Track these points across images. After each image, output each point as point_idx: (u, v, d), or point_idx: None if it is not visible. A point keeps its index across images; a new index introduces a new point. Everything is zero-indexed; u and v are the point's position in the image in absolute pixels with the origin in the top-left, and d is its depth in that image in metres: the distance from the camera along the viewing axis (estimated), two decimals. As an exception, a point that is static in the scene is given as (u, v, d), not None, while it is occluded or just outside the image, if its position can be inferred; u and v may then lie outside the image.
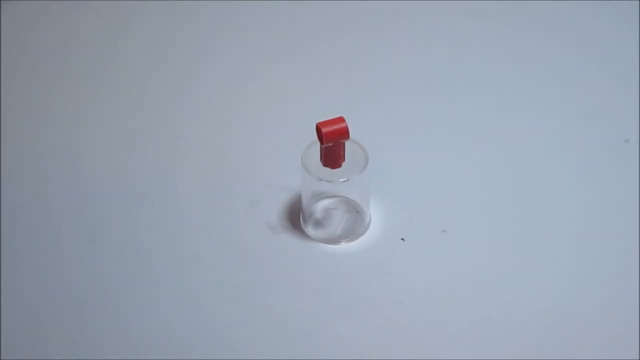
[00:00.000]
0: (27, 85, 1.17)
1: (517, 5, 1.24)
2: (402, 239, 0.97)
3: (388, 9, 1.25)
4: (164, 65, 1.19)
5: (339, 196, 1.00)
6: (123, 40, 1.22)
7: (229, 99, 1.14)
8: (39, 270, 0.97)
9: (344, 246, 0.98)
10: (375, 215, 1.00)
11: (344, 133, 0.92)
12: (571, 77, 1.15)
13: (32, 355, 0.90)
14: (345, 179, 0.95)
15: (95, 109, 1.14)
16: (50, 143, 1.09)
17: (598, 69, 1.16)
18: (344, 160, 0.95)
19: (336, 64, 1.18)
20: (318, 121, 0.93)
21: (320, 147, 0.94)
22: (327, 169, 0.95)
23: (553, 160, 1.06)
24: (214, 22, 1.25)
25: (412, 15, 1.24)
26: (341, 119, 0.93)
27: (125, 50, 1.21)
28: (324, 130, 0.92)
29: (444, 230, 0.98)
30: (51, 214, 1.02)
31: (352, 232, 0.99)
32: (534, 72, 1.16)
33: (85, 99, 1.15)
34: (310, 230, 0.99)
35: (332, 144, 0.93)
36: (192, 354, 0.90)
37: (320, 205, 1.00)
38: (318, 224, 0.99)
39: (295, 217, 1.00)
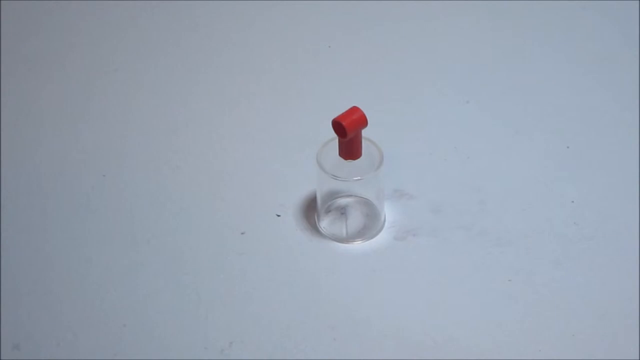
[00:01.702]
0: (26, 85, 1.16)
1: (527, 5, 1.25)
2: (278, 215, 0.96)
3: (396, 7, 1.25)
4: (166, 66, 1.19)
5: (354, 195, 1.01)
6: (123, 41, 1.22)
7: (240, 100, 1.14)
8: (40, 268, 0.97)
9: (358, 245, 0.98)
10: (390, 214, 1.00)
11: (363, 121, 0.92)
12: (582, 78, 1.16)
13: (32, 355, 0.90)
14: (360, 178, 0.95)
15: (95, 109, 1.13)
16: (50, 143, 1.09)
17: (601, 69, 1.17)
18: (361, 149, 0.95)
19: (348, 63, 1.18)
20: (332, 119, 0.93)
21: (340, 141, 0.94)
22: (343, 167, 0.95)
23: (566, 160, 1.06)
24: (214, 22, 1.25)
25: (421, 13, 1.25)
26: (355, 109, 0.93)
27: (125, 51, 1.21)
28: (344, 122, 0.92)
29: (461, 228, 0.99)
30: (49, 215, 1.02)
31: (367, 231, 0.99)
32: (548, 72, 1.16)
33: (85, 99, 1.14)
34: (325, 228, 0.99)
35: (353, 136, 0.93)
36: (200, 346, 0.90)
37: (336, 204, 1.00)
38: (333, 222, 0.99)
39: (311, 215, 1.00)
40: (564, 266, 0.95)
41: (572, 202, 1.01)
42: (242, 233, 0.99)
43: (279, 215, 0.98)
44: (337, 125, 0.92)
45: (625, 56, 1.17)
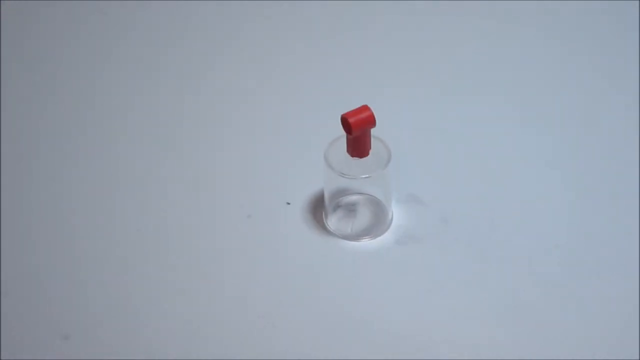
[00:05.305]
0: (27, 85, 1.16)
1: (530, 5, 1.25)
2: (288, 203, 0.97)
3: (403, 7, 1.26)
4: (167, 65, 1.19)
5: (362, 193, 1.00)
6: (123, 41, 1.22)
7: (247, 98, 1.14)
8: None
9: (366, 243, 0.98)
10: (397, 212, 1.00)
11: (371, 120, 0.92)
12: (584, 76, 1.16)
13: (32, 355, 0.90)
14: (368, 175, 0.95)
15: (95, 109, 1.13)
16: (50, 143, 1.09)
17: (600, 68, 1.18)
18: (370, 148, 0.95)
19: (355, 60, 1.18)
20: (340, 116, 0.93)
21: (348, 138, 0.94)
22: (350, 165, 0.95)
23: (578, 163, 1.07)
24: (217, 22, 1.25)
25: (427, 13, 1.25)
26: (365, 107, 0.93)
27: (125, 51, 1.21)
28: (351, 120, 0.92)
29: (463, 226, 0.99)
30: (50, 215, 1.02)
31: (375, 229, 0.99)
32: (556, 71, 1.16)
33: (85, 99, 1.14)
34: (332, 226, 0.99)
35: (360, 134, 0.93)
36: (214, 346, 0.91)
37: (343, 202, 1.00)
38: (340, 220, 0.99)
39: (318, 213, 1.00)
40: (565, 285, 0.95)
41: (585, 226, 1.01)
42: (249, 217, 0.99)
43: (288, 203, 0.98)
44: (344, 122, 0.93)
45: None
